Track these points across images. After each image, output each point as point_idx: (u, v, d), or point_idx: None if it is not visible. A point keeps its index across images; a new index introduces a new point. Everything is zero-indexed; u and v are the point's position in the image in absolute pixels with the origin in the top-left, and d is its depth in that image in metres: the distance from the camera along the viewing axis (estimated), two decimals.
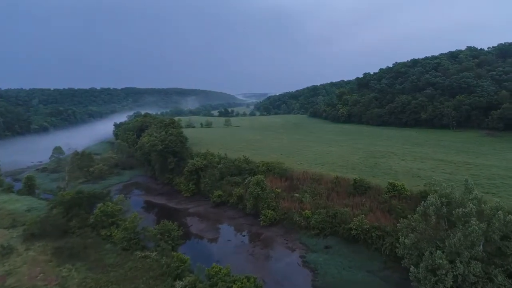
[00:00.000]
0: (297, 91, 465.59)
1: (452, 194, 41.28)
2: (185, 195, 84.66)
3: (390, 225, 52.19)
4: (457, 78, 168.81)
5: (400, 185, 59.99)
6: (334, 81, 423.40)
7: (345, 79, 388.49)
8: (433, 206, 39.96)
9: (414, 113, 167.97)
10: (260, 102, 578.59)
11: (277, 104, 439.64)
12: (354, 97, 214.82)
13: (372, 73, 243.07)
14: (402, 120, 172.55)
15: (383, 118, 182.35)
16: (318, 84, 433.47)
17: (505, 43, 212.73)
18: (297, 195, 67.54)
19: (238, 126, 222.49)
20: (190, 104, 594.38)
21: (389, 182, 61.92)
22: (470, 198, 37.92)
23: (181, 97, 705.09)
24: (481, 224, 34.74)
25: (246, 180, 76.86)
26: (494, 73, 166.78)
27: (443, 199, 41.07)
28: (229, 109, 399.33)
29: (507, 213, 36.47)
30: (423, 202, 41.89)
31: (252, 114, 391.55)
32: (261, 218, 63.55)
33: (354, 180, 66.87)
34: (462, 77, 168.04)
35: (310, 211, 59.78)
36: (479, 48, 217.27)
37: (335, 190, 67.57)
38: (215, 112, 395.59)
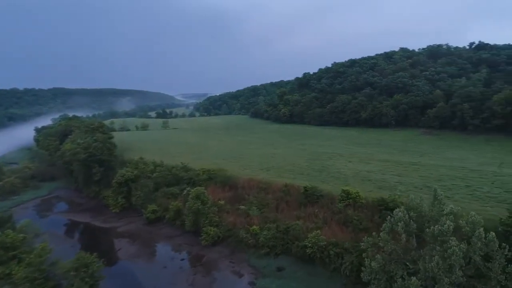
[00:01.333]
0: (238, 91, 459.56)
1: (421, 206, 36.13)
2: (113, 210, 73.33)
3: (348, 240, 46.54)
4: (394, 78, 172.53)
5: (354, 193, 54.88)
6: (274, 81, 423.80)
7: (285, 79, 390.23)
8: (402, 222, 34.48)
9: (354, 113, 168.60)
10: (200, 102, 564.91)
11: (218, 105, 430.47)
12: (295, 97, 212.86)
13: (311, 73, 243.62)
14: (343, 120, 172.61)
15: (324, 117, 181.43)
16: (258, 84, 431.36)
17: (433, 45, 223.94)
18: (243, 207, 60.05)
19: (176, 128, 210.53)
20: (126, 105, 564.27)
21: (342, 189, 56.58)
22: (445, 212, 32.81)
23: (116, 98, 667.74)
24: (461, 245, 29.63)
25: (185, 191, 67.98)
26: (427, 73, 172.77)
27: (412, 213, 35.84)
28: (168, 110, 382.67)
29: (482, 229, 31.90)
30: (389, 217, 36.33)
31: (191, 115, 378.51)
32: (202, 237, 55.07)
33: (304, 188, 60.85)
34: (398, 77, 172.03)
35: (258, 227, 52.58)
36: (411, 49, 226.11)
37: (284, 199, 61.09)
38: (153, 114, 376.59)
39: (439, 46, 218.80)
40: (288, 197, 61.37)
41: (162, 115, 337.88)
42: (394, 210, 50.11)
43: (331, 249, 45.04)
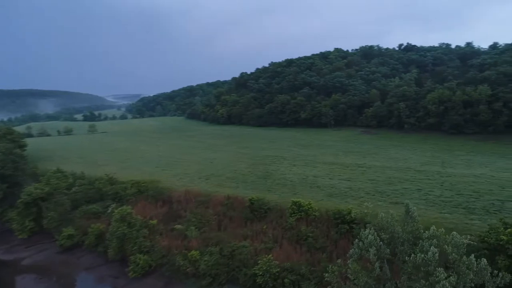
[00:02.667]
0: (173, 91, 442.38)
1: (393, 226, 30.45)
2: (20, 236, 60.11)
3: (304, 262, 40.01)
4: (331, 78, 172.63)
5: (306, 205, 48.69)
6: (210, 81, 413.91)
7: (222, 79, 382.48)
8: (374, 248, 28.45)
9: (293, 113, 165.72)
10: (133, 103, 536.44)
11: (152, 106, 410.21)
12: (233, 98, 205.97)
13: (249, 73, 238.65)
14: (282, 120, 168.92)
15: (263, 118, 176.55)
16: (195, 85, 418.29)
17: (366, 46, 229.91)
18: (179, 227, 51.18)
19: (105, 132, 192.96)
20: (49, 107, 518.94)
21: (292, 201, 50.11)
22: (426, 236, 27.23)
23: (37, 100, 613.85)
24: (451, 277, 24.10)
25: (110, 209, 57.51)
26: (363, 73, 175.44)
27: (383, 235, 30.00)
28: (96, 113, 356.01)
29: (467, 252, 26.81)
30: (357, 240, 30.17)
31: (123, 117, 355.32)
32: (130, 267, 45.40)
33: (250, 200, 53.58)
34: (335, 76, 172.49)
35: (198, 251, 44.19)
36: (345, 49, 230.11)
37: (227, 215, 53.29)
38: (79, 116, 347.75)
39: (371, 47, 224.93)
40: (232, 211, 53.67)
41: (90, 117, 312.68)
42: (351, 223, 45.37)
43: (285, 276, 38.13)
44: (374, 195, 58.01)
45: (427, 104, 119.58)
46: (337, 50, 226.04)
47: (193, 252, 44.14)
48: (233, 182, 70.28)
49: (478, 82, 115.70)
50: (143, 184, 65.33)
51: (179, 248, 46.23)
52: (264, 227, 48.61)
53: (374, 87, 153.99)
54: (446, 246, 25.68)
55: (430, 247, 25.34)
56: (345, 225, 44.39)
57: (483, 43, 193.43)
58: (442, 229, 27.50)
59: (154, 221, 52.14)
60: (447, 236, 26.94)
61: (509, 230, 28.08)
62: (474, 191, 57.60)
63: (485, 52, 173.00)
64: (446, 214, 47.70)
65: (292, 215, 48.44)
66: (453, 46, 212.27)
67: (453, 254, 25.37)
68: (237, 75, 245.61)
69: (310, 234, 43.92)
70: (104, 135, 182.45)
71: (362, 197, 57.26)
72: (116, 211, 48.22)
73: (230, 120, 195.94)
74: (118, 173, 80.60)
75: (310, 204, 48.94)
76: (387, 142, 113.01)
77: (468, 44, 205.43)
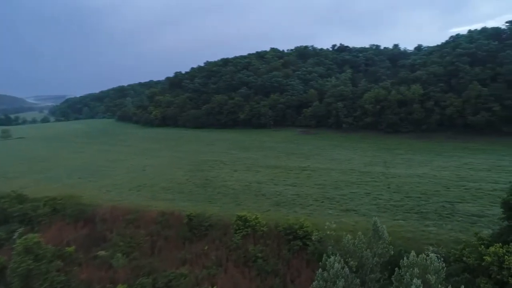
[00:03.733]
0: (102, 92, 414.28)
1: (361, 250, 25.76)
2: None
3: None
4: (268, 78, 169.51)
5: (253, 219, 43.04)
6: (143, 81, 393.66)
7: (155, 79, 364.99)
8: (342, 279, 23.45)
9: (232, 114, 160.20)
10: (57, 105, 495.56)
11: (78, 108, 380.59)
12: (167, 98, 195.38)
13: (183, 72, 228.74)
14: (221, 121, 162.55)
15: (200, 119, 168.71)
16: (126, 85, 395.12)
17: (301, 46, 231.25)
18: (103, 253, 42.79)
19: (21, 138, 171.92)
20: None
21: (237, 215, 44.15)
22: (405, 264, 22.70)
23: None
24: None
25: (16, 235, 47.31)
26: (300, 72, 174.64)
27: (351, 262, 25.16)
28: (13, 116, 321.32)
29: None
30: (320, 270, 24.97)
31: (45, 120, 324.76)
32: None
33: (188, 216, 46.69)
34: (273, 76, 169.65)
35: (126, 285, 36.49)
36: (281, 49, 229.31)
37: (162, 235, 45.87)
38: None
39: (306, 47, 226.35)
40: (167, 230, 46.40)
41: (5, 121, 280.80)
42: (304, 238, 40.64)
43: None
44: (323, 202, 54.10)
45: (364, 104, 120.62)
46: (273, 50, 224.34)
47: (120, 286, 36.36)
48: (169, 193, 62.65)
49: (411, 82, 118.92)
50: (59, 201, 55.23)
51: (102, 282, 38.08)
52: (206, 248, 42.08)
53: (311, 86, 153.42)
54: (430, 276, 21.29)
55: (412, 279, 20.74)
56: (297, 242, 39.46)
57: (408, 45, 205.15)
58: (423, 254, 23.15)
59: (71, 248, 43.16)
60: (427, 260, 22.62)
61: (492, 249, 24.70)
62: (421, 193, 56.10)
63: (411, 54, 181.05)
64: (400, 221, 44.86)
65: (238, 231, 42.50)
66: (381, 48, 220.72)
67: (437, 285, 21.06)
68: (171, 74, 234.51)
69: (260, 255, 38.31)
70: (20, 141, 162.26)
71: (311, 204, 53.09)
72: (18, 241, 38.65)
73: (165, 122, 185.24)
74: (32, 187, 69.36)
75: (257, 218, 43.36)
76: (328, 142, 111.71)
77: (396, 46, 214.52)
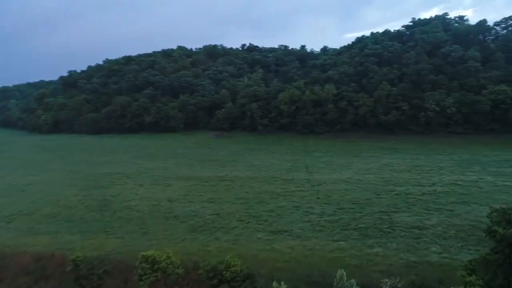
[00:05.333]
0: None
1: None
2: None
3: None
4: (177, 77, 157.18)
5: (164, 259, 32.82)
6: (32, 81, 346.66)
7: (46, 79, 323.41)
8: None
9: (137, 117, 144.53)
10: None
11: None
12: (60, 100, 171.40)
13: (79, 71, 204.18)
14: (124, 126, 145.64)
15: (100, 124, 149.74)
16: (11, 85, 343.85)
17: (209, 45, 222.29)
18: None
19: None
20: None
21: (142, 255, 33.38)
22: None
23: None
24: None
25: None
26: (210, 72, 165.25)
27: None
28: None
29: None
30: None
31: None
32: None
33: (73, 261, 34.60)
34: (181, 75, 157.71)
35: None
36: (189, 48, 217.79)
37: None
38: None
39: (215, 46, 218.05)
40: (44, 283, 33.80)
41: None
42: (232, 281, 31.82)
43: None
44: (248, 222, 45.88)
45: (279, 104, 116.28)
46: (181, 48, 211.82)
47: None
48: (52, 223, 48.83)
49: (323, 82, 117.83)
50: None
51: None
52: None
53: (223, 87, 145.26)
54: None
55: None
56: (224, 286, 30.44)
57: (313, 47, 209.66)
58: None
59: None
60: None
61: None
62: (353, 202, 51.17)
63: (319, 54, 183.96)
64: (340, 242, 38.56)
65: (144, 277, 31.96)
66: (290, 48, 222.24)
67: None
68: (65, 73, 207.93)
69: None
70: None
71: (235, 227, 44.48)
72: None
73: (57, 127, 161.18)
74: None
75: (169, 257, 33.22)
76: (244, 146, 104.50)
77: (303, 47, 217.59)
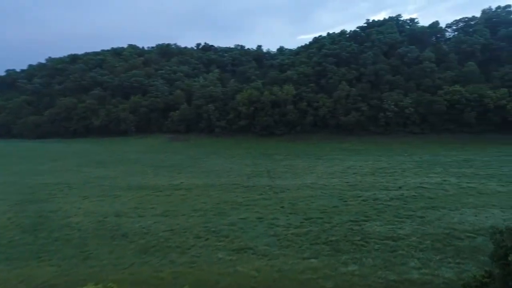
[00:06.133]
0: None
1: None
2: None
3: None
4: (128, 77, 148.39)
5: None
6: None
7: None
8: None
9: (83, 119, 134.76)
10: None
11: None
12: None
13: (19, 70, 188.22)
14: (69, 129, 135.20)
15: (43, 128, 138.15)
16: None
17: (163, 44, 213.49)
18: None
19: None
20: None
21: None
22: None
23: None
24: None
25: None
26: (163, 71, 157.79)
27: None
28: None
29: None
30: None
31: None
32: None
33: None
34: (133, 75, 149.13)
35: None
36: (141, 46, 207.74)
37: None
38: None
39: (169, 45, 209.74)
40: None
41: None
42: None
43: None
44: (207, 238, 40.73)
45: (237, 105, 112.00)
46: (132, 46, 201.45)
47: None
48: None
49: (282, 82, 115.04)
50: None
51: None
52: None
53: (178, 87, 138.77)
54: None
55: None
56: None
57: (269, 48, 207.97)
58: None
59: None
60: None
61: None
62: (320, 211, 47.65)
63: (275, 55, 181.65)
64: (312, 260, 34.54)
65: None
66: (246, 48, 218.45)
67: None
68: (2, 72, 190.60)
69: None
70: None
71: (193, 245, 39.14)
72: None
73: None
74: None
75: None
76: (201, 150, 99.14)
77: (259, 47, 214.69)
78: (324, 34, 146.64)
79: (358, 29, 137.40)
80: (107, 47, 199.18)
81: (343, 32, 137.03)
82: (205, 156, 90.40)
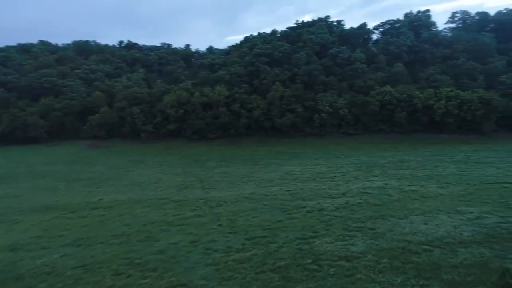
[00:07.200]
0: None
1: None
2: None
3: None
4: (37, 76, 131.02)
5: None
6: None
7: None
8: None
9: None
10: None
11: None
12: None
13: None
14: None
15: None
16: None
17: (80, 40, 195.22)
18: None
19: None
20: None
21: None
22: None
23: None
24: None
25: None
26: (80, 71, 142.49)
27: None
28: None
29: None
30: None
31: None
32: None
33: None
34: (43, 75, 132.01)
35: None
36: (54, 43, 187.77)
37: None
38: None
39: (87, 42, 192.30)
40: None
41: None
42: None
43: None
44: (130, 275, 32.74)
45: (165, 108, 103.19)
46: (43, 43, 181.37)
47: None
48: None
49: (213, 83, 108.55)
50: None
51: None
52: None
53: (97, 88, 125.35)
54: None
55: None
56: None
57: (198, 47, 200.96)
58: None
59: None
60: None
61: None
62: (263, 227, 41.93)
63: (205, 54, 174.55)
64: None
65: None
66: (174, 47, 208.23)
67: None
68: None
69: None
70: None
71: (110, 286, 31.31)
72: None
73: None
74: None
75: None
76: (125, 158, 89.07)
77: (188, 46, 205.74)
78: (255, 33, 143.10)
79: (289, 30, 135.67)
80: (13, 42, 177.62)
81: (274, 32, 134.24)
82: (130, 165, 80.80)
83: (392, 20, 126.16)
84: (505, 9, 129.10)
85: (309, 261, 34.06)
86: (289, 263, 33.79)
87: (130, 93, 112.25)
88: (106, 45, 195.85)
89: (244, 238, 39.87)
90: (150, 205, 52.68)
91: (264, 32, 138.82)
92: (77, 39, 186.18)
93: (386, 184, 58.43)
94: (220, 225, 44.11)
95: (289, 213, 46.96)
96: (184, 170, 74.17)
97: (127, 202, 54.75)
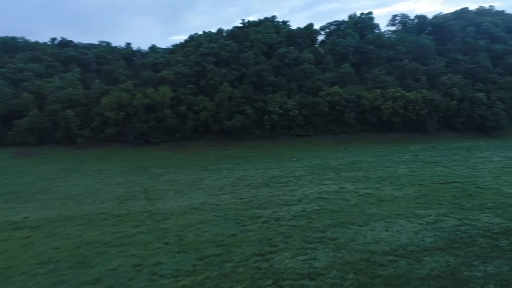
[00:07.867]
0: None
1: None
2: None
3: None
4: None
5: None
6: None
7: None
8: None
9: None
10: None
11: None
12: None
13: None
14: None
15: None
16: None
17: (6, 37, 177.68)
18: None
19: None
20: None
21: None
22: None
23: None
24: None
25: None
26: (5, 70, 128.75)
27: None
28: None
29: None
30: None
31: None
32: None
33: None
34: None
35: None
36: None
37: None
38: None
39: (14, 38, 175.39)
40: None
41: None
42: None
43: None
44: None
45: (104, 110, 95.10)
46: None
47: None
48: None
49: (157, 83, 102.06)
50: None
51: None
52: None
53: (25, 89, 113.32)
54: None
55: None
56: None
57: (139, 46, 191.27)
58: None
59: None
60: None
61: None
62: (216, 244, 37.45)
63: (147, 53, 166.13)
64: None
65: None
66: (113, 46, 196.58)
67: None
68: None
69: None
70: None
71: None
72: None
73: None
74: None
75: None
76: (57, 167, 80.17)
77: (128, 45, 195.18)
78: (200, 32, 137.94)
79: (235, 29, 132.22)
80: None
81: (220, 31, 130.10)
82: (63, 175, 72.43)
83: (337, 21, 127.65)
84: (439, 13, 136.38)
85: (269, 282, 30.23)
86: (247, 286, 29.95)
87: (63, 94, 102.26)
88: (37, 42, 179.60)
89: (195, 258, 35.19)
90: (85, 222, 46.13)
91: (209, 31, 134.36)
92: (1, 35, 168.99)
93: (341, 187, 56.60)
94: (167, 243, 39.02)
95: (244, 225, 43.03)
96: (126, 179, 67.59)
97: (58, 219, 47.69)
